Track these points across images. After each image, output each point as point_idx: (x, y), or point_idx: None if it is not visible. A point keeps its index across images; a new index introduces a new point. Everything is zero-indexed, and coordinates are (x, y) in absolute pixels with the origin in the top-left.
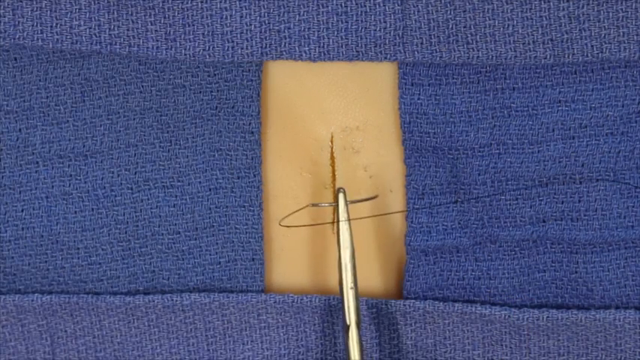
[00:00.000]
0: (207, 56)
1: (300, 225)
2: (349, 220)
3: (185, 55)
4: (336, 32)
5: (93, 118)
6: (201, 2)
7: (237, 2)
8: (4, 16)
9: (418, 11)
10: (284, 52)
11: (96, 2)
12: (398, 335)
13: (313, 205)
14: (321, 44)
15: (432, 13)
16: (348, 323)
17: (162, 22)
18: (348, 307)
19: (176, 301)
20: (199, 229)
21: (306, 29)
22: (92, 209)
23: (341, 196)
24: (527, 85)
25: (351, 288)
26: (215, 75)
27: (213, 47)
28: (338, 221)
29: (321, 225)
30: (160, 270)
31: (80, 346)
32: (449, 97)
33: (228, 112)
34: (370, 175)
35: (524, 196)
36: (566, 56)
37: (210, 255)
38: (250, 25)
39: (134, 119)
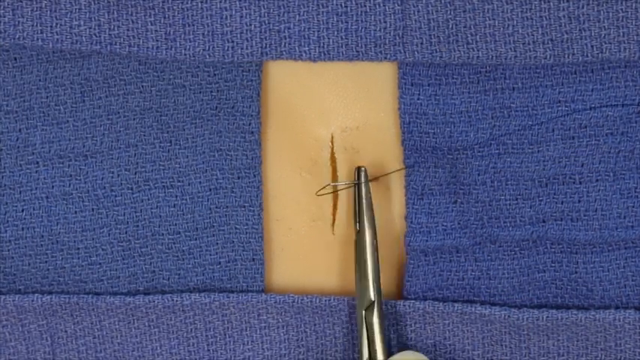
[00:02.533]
0: (207, 56)
1: (333, 191)
2: (370, 182)
3: (185, 55)
4: (336, 32)
5: (93, 118)
6: (201, 2)
7: (237, 2)
8: (4, 16)
9: (418, 11)
10: (284, 52)
11: (96, 2)
12: (398, 336)
13: (333, 184)
14: (321, 44)
15: (432, 13)
16: (372, 299)
17: (162, 22)
18: (374, 283)
19: (176, 301)
20: (199, 229)
21: (306, 29)
22: (92, 209)
23: (362, 174)
24: (527, 85)
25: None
26: (215, 75)
27: (213, 47)
28: (359, 191)
29: (323, 224)
30: (160, 270)
31: (80, 346)
32: (449, 97)
33: (228, 112)
34: (370, 176)
35: (523, 196)
36: (566, 56)
37: (210, 255)
38: (250, 25)
39: (134, 119)
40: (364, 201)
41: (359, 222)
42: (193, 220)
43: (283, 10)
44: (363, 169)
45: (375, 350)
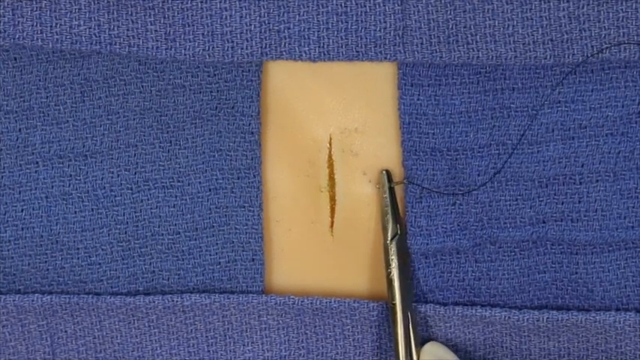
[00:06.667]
0: (207, 56)
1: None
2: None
3: (185, 55)
4: (336, 32)
5: (93, 118)
6: (201, 2)
7: (237, 2)
8: (4, 16)
9: (418, 11)
10: (284, 52)
11: (96, 2)
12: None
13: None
14: (321, 44)
15: (432, 13)
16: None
17: (162, 22)
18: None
19: (176, 302)
20: (199, 229)
21: (306, 29)
22: (92, 209)
23: (390, 176)
24: (527, 85)
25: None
26: (215, 75)
27: (213, 47)
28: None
29: (321, 225)
30: (160, 270)
31: (80, 346)
32: (448, 97)
33: (228, 113)
34: (369, 180)
35: (523, 197)
36: (566, 56)
37: (210, 255)
38: (250, 25)
39: (134, 119)
40: (396, 203)
41: (398, 223)
42: (193, 220)
43: (283, 10)
44: (389, 171)
45: (411, 348)
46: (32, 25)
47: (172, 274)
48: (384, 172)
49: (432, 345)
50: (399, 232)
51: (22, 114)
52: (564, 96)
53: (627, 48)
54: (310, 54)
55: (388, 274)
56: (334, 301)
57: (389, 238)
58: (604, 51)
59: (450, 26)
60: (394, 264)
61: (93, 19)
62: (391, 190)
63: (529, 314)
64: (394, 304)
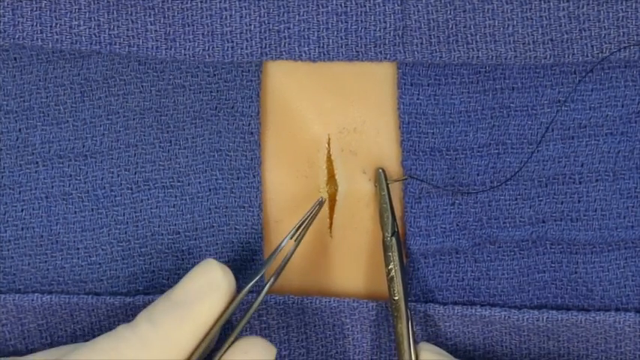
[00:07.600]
0: (207, 56)
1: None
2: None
3: (185, 55)
4: (336, 32)
5: (93, 118)
6: (201, 2)
7: (237, 2)
8: (4, 16)
9: (418, 11)
10: (284, 52)
11: (96, 2)
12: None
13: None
14: (321, 44)
15: (432, 13)
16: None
17: (162, 22)
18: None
19: None
20: (199, 229)
21: (306, 29)
22: (92, 209)
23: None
24: (527, 85)
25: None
26: (215, 75)
27: (213, 47)
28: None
29: (320, 226)
30: (160, 270)
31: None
32: (448, 97)
33: (228, 113)
34: (369, 179)
35: (523, 197)
36: (566, 56)
37: (210, 255)
38: (250, 25)
39: (134, 119)
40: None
41: (397, 223)
42: (193, 220)
43: (283, 10)
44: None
45: (410, 348)
46: (32, 25)
47: (172, 274)
48: (380, 170)
49: (425, 344)
50: (397, 229)
51: (22, 114)
52: (564, 95)
53: (627, 48)
54: (310, 54)
55: (389, 271)
56: (334, 301)
57: (389, 235)
58: (620, 52)
59: (450, 26)
60: (395, 260)
61: (93, 19)
62: (388, 188)
63: (528, 314)
64: (396, 300)
